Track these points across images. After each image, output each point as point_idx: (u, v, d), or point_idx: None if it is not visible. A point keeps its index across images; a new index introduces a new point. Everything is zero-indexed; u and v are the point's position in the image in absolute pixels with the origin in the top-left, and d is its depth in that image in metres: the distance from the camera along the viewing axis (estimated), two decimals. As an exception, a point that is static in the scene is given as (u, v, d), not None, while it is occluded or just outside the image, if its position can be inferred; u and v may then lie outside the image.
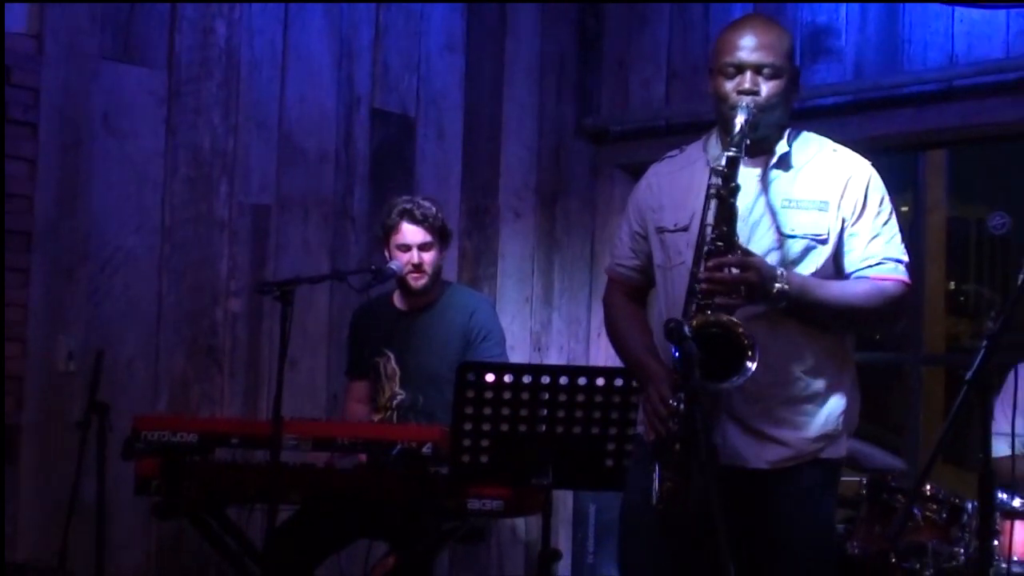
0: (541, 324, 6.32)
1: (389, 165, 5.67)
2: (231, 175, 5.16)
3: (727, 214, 3.03)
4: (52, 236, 4.65)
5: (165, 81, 4.97)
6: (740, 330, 2.95)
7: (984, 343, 2.38)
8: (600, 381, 3.46)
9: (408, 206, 4.59)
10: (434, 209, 4.60)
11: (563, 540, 6.05)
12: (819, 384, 3.17)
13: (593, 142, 6.52)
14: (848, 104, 5.43)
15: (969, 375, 2.37)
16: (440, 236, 4.60)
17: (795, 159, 3.22)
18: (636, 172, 6.40)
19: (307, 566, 4.38)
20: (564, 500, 6.06)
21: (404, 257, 4.55)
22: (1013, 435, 3.28)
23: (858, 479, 4.12)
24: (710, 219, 3.03)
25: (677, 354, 2.78)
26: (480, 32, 6.03)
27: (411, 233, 4.56)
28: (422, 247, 4.55)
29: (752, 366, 2.92)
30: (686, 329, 2.79)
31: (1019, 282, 2.37)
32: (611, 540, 5.79)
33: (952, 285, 7.06)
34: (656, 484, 3.03)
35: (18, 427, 4.54)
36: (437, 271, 4.61)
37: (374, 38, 5.63)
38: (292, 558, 4.28)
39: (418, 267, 4.53)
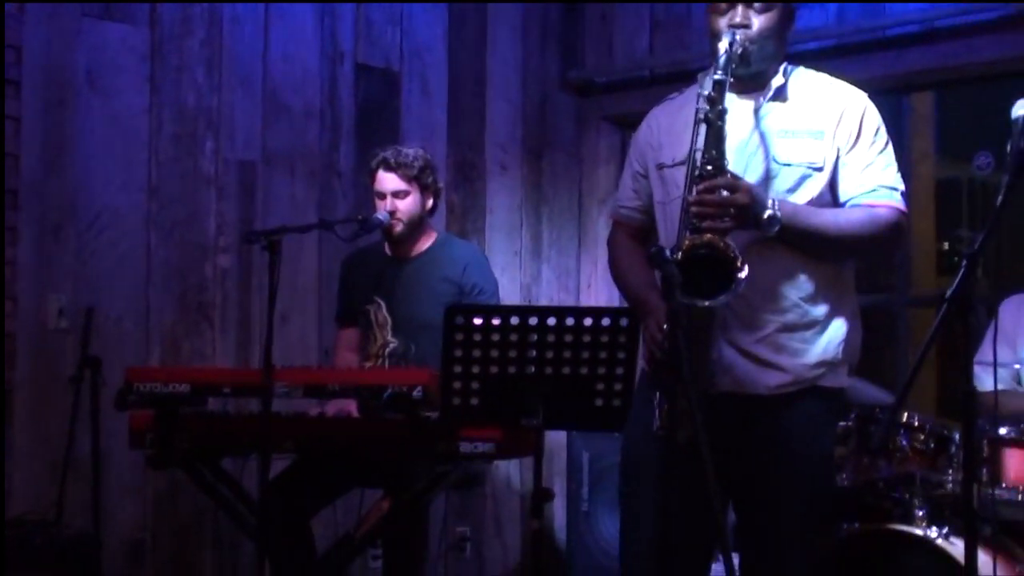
0: (531, 276, 6.34)
1: (374, 120, 5.67)
2: (216, 132, 5.16)
3: (716, 138, 3.04)
4: (38, 194, 4.66)
5: (148, 38, 4.97)
6: (724, 244, 2.97)
7: (964, 261, 2.39)
8: (588, 321, 3.43)
9: (386, 154, 4.60)
10: (411, 157, 4.59)
11: (558, 490, 6.08)
12: (818, 311, 3.19)
13: (578, 94, 6.52)
14: (831, 48, 5.44)
15: (949, 293, 2.39)
16: (419, 184, 4.59)
17: (790, 91, 3.25)
18: (622, 123, 6.46)
19: (302, 516, 4.39)
20: (559, 451, 6.10)
21: (380, 205, 4.56)
22: (995, 368, 3.31)
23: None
24: (699, 144, 3.05)
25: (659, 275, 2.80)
26: (463, -15, 6.03)
27: (385, 180, 4.57)
28: (396, 194, 4.56)
29: (742, 276, 2.94)
30: (667, 253, 2.81)
31: (998, 201, 2.38)
32: (606, 487, 5.82)
33: (945, 246, 7.03)
34: (656, 412, 3.05)
35: (10, 384, 4.54)
36: (417, 219, 4.60)
37: (356, -8, 5.63)
38: (287, 508, 4.30)
39: (392, 214, 4.54)
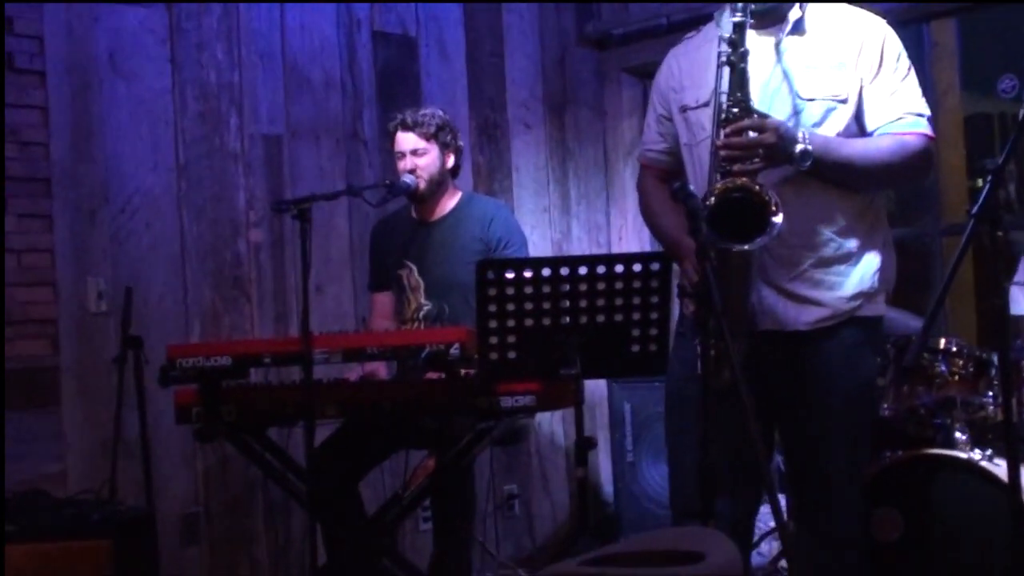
0: (561, 233, 6.36)
1: (395, 86, 5.69)
2: (240, 107, 5.19)
3: (740, 80, 3.05)
4: (70, 181, 4.71)
5: (165, 19, 5.00)
6: (758, 186, 2.98)
7: (989, 178, 2.40)
8: (619, 268, 3.47)
9: (402, 115, 4.63)
10: (428, 116, 4.61)
11: (602, 443, 6.12)
12: (851, 244, 3.20)
13: (596, 48, 6.51)
14: (846, -19, 5.40)
15: (975, 210, 2.40)
16: (438, 142, 4.61)
17: (808, 23, 3.23)
18: (642, 74, 6.46)
19: (351, 480, 4.44)
20: (600, 404, 6.14)
21: (401, 165, 4.58)
22: None
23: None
24: (723, 87, 3.05)
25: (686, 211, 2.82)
26: (474, -55, 6.03)
27: (403, 140, 4.60)
28: (415, 152, 4.58)
29: (778, 220, 2.95)
30: (690, 186, 2.83)
31: (1021, 115, 2.38)
32: (649, 438, 5.86)
33: (979, 183, 6.96)
34: (698, 354, 3.08)
35: (56, 369, 4.62)
36: (438, 177, 4.60)
37: (368, -41, 5.65)
38: (335, 473, 4.35)
39: (412, 172, 4.56)
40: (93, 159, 4.77)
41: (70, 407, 4.64)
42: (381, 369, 4.51)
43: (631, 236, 6.46)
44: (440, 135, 4.61)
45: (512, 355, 3.52)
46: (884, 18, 3.32)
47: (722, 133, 3.04)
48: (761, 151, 3.02)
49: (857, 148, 3.15)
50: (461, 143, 4.77)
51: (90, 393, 4.66)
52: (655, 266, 3.41)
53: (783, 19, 3.23)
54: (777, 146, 3.03)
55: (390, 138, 4.67)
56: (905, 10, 5.32)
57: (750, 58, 3.06)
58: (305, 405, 3.77)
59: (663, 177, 3.47)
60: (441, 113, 4.69)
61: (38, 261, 4.61)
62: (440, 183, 4.63)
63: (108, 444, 4.32)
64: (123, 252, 4.83)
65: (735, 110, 3.04)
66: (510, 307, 3.47)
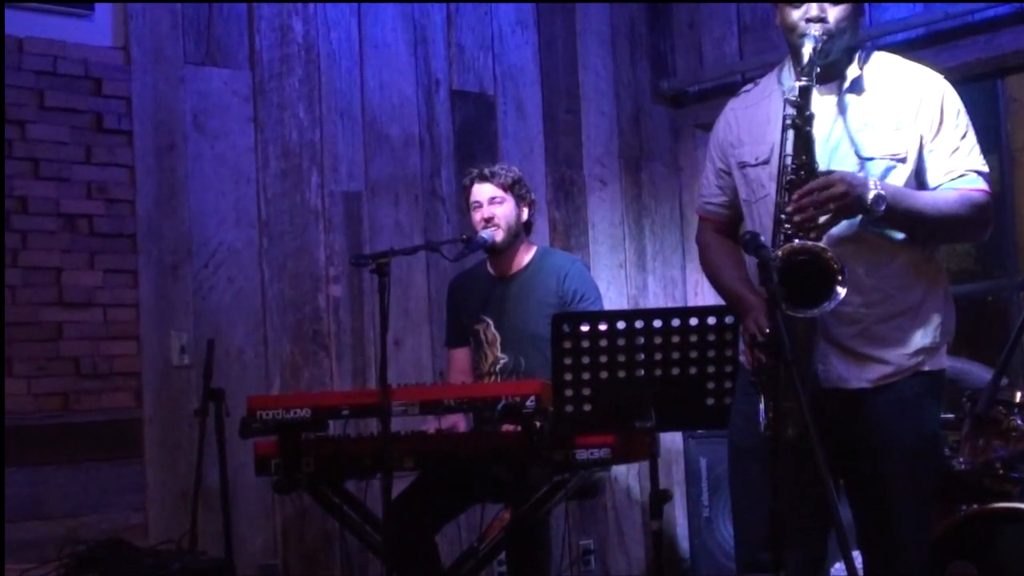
0: (637, 288, 6.36)
1: (472, 143, 5.75)
2: (320, 165, 5.27)
3: (805, 143, 3.04)
4: (155, 236, 4.81)
5: (249, 80, 5.11)
6: (828, 255, 2.96)
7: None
8: (693, 321, 3.46)
9: (478, 168, 4.68)
10: (504, 169, 4.67)
11: (678, 498, 6.08)
12: (912, 298, 3.16)
13: (671, 105, 6.54)
14: (920, 38, 5.39)
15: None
16: (514, 194, 4.64)
17: (867, 81, 3.21)
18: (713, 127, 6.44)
19: (427, 533, 4.45)
20: (676, 459, 6.10)
21: (477, 216, 4.62)
22: None
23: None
24: (788, 150, 3.04)
25: (755, 261, 2.81)
26: (549, 5, 6.09)
27: (480, 191, 4.64)
28: (492, 201, 4.62)
29: (842, 291, 2.93)
30: (761, 237, 2.82)
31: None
32: (725, 492, 5.80)
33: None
34: (761, 412, 3.06)
35: (139, 421, 4.69)
36: (515, 228, 4.64)
37: (446, 20, 5.72)
38: (412, 526, 4.36)
39: (489, 220, 4.59)
40: (177, 215, 4.87)
41: (153, 458, 4.71)
42: (460, 423, 4.53)
43: (707, 291, 6.43)
44: (516, 187, 4.66)
45: (587, 408, 3.50)
46: (956, 73, 3.30)
47: (788, 197, 3.02)
48: (832, 205, 3.00)
49: (926, 199, 3.13)
50: (535, 198, 4.80)
51: (172, 444, 4.73)
52: (729, 319, 3.40)
53: (841, 75, 3.21)
54: (848, 194, 3.01)
55: (465, 192, 4.71)
56: (978, 63, 5.30)
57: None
58: (383, 457, 3.78)
59: (722, 229, 3.45)
60: (516, 169, 4.75)
61: (123, 315, 4.70)
62: (516, 235, 4.66)
63: (189, 495, 4.36)
64: (205, 306, 4.91)
65: (801, 173, 3.03)
66: (585, 360, 3.47)
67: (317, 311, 5.21)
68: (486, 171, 4.66)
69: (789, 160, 3.06)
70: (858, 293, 3.10)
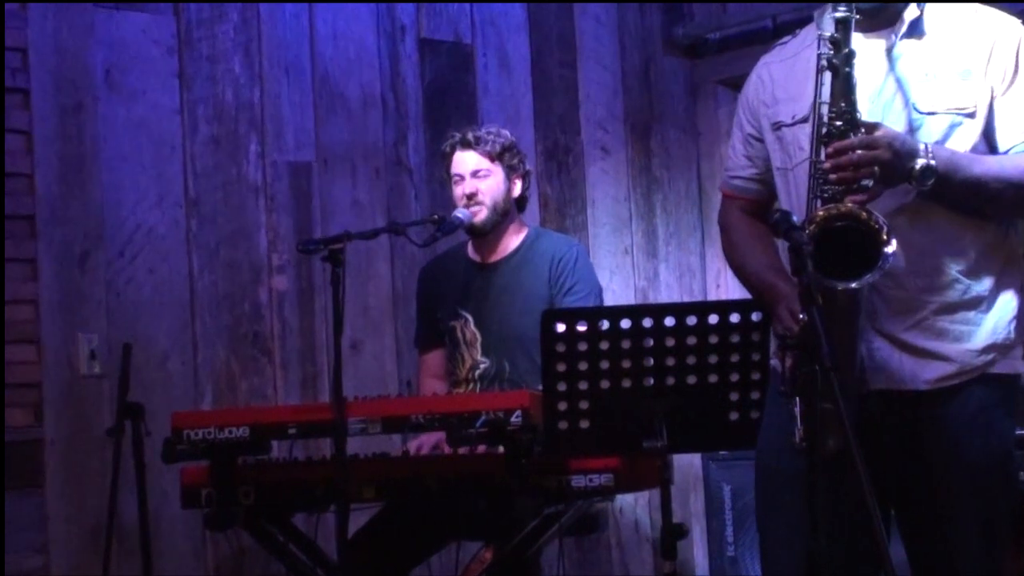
0: (647, 279, 6.35)
1: (446, 104, 5.74)
2: (261, 130, 5.26)
3: (844, 87, 3.03)
4: (59, 219, 4.78)
5: (173, 27, 5.09)
6: (865, 213, 2.96)
7: None
8: (713, 319, 3.45)
9: (461, 133, 4.66)
10: (492, 134, 4.65)
11: (697, 532, 6.10)
12: (982, 286, 3.16)
13: (687, 56, 6.53)
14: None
15: None
16: (503, 165, 4.62)
17: (928, 24, 3.21)
18: (741, 87, 6.41)
19: (392, 577, 4.46)
20: (694, 485, 6.10)
21: (458, 191, 4.61)
22: None
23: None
24: (825, 96, 3.04)
25: (786, 246, 2.80)
26: (540, -65, 6.08)
27: (462, 160, 4.63)
28: (476, 174, 4.60)
29: (890, 250, 2.93)
30: (794, 217, 2.81)
31: None
32: (754, 526, 5.80)
33: None
34: (798, 420, 3.05)
35: (40, 442, 4.67)
36: (503, 206, 4.62)
37: (414, -46, 5.71)
38: (373, 569, 4.35)
39: (472, 197, 4.57)
40: (86, 193, 4.84)
41: (56, 488, 4.68)
42: (441, 443, 4.50)
43: (731, 283, 6.43)
44: (506, 156, 4.64)
45: (585, 424, 3.50)
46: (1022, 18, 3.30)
47: (823, 152, 3.02)
48: (875, 169, 2.99)
49: (990, 166, 3.12)
50: (529, 168, 4.79)
51: (80, 471, 4.70)
52: (756, 316, 3.39)
53: (897, 19, 3.20)
54: (893, 162, 3.00)
55: (445, 161, 4.69)
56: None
57: (858, 65, 3.04)
58: (337, 486, 3.77)
59: (751, 209, 3.45)
60: (507, 133, 4.73)
61: (19, 314, 4.67)
62: (505, 214, 4.64)
63: (100, 533, 4.34)
64: (121, 303, 4.88)
65: (839, 124, 3.02)
66: (582, 366, 3.46)
67: (257, 308, 5.19)
68: (469, 136, 4.64)
69: (825, 109, 3.05)
70: (915, 275, 3.10)
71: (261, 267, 5.22)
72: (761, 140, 3.40)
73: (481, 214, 4.58)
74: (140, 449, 4.23)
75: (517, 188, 4.68)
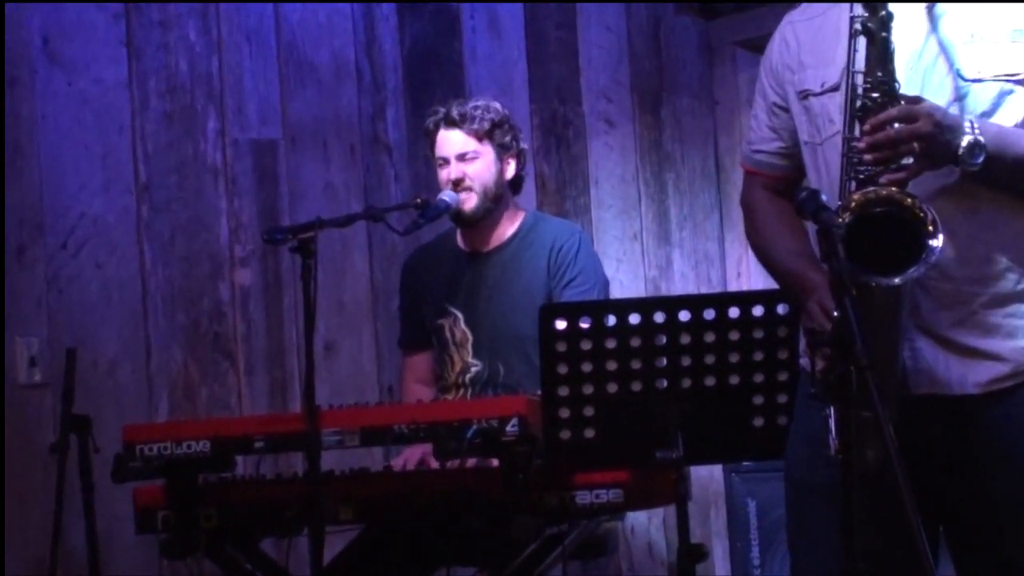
0: (658, 268, 6.37)
1: (429, 73, 5.74)
2: (220, 105, 5.26)
3: (881, 54, 3.03)
4: (-8, 208, 4.78)
5: (119, -12, 5.09)
6: (910, 201, 2.96)
7: None
8: (734, 312, 3.47)
9: (445, 109, 4.67)
10: (481, 109, 4.65)
11: (719, 553, 6.11)
12: None
13: (702, 15, 6.54)
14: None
15: None
16: (494, 144, 4.62)
17: None
18: (762, 49, 6.41)
19: (373, 610, 4.46)
20: (715, 501, 6.12)
21: (443, 175, 4.62)
22: None
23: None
24: (859, 64, 3.05)
25: (815, 229, 2.81)
26: None
27: (446, 141, 4.65)
28: (462, 157, 4.60)
29: (936, 244, 2.93)
30: (822, 196, 2.81)
31: None
32: (782, 546, 5.83)
33: None
34: (832, 428, 3.05)
35: (-28, 461, 4.67)
36: (494, 191, 4.63)
37: (390, -98, 5.71)
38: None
39: (458, 183, 4.58)
40: (23, 178, 4.84)
41: (-7, 512, 4.69)
42: (428, 457, 4.51)
43: (755, 271, 6.45)
44: (497, 134, 4.64)
45: (590, 433, 3.53)
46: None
47: (858, 129, 3.02)
48: (915, 146, 3.00)
49: None
50: (524, 146, 4.78)
51: (19, 492, 4.70)
52: (782, 308, 3.40)
53: None
54: (935, 136, 3.00)
55: (428, 141, 4.71)
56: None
57: (895, 28, 3.05)
58: (311, 506, 3.78)
59: (777, 187, 3.45)
60: (498, 106, 4.73)
61: (-52, 316, 4.68)
62: (496, 200, 4.64)
63: (44, 561, 4.34)
64: (64, 302, 4.88)
65: (875, 95, 3.03)
66: (586, 367, 3.49)
67: (218, 306, 5.20)
68: (454, 113, 4.65)
69: (860, 79, 3.06)
70: (961, 265, 3.11)
71: (222, 260, 5.22)
72: (787, 110, 3.40)
73: (470, 202, 4.59)
74: (87, 467, 4.22)
75: (511, 169, 4.68)
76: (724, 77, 6.55)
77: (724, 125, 6.55)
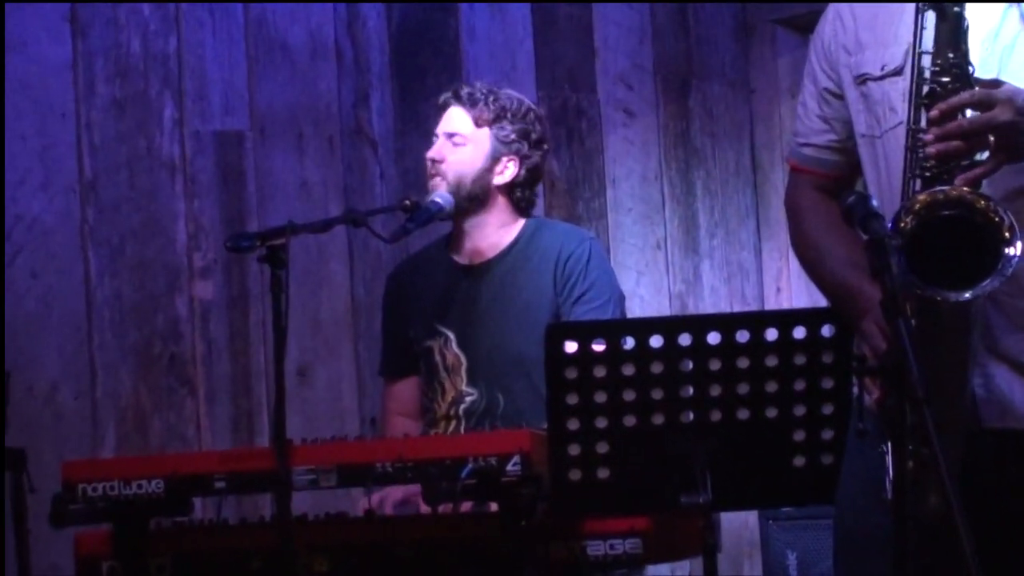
0: (684, 281, 6.37)
1: (420, 54, 5.76)
2: (178, 91, 5.27)
3: (952, 32, 3.06)
4: (-86, 208, 4.80)
5: (63, -43, 5.10)
6: (984, 203, 2.97)
7: None
8: (772, 334, 3.46)
9: (459, 86, 4.71)
10: (490, 95, 4.64)
11: (753, 613, 6.11)
12: None
13: (736, -11, 6.57)
14: None
15: None
16: (496, 138, 4.62)
17: None
18: (807, 30, 6.45)
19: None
20: (751, 554, 6.14)
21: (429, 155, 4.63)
22: None
23: None
24: (926, 44, 3.06)
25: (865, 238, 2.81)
26: None
27: (447, 118, 4.67)
28: (451, 137, 4.61)
29: (1014, 253, 2.93)
30: (872, 202, 2.81)
31: None
32: (825, 603, 5.85)
33: None
34: (889, 467, 3.05)
35: None
36: (469, 188, 4.58)
37: None
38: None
39: (433, 163, 4.59)
40: (-50, 175, 4.86)
41: (-86, 560, 4.69)
42: (419, 497, 4.52)
43: (796, 285, 6.46)
44: (499, 125, 4.62)
45: (604, 474, 3.52)
46: None
47: (923, 117, 3.02)
48: (991, 138, 3.00)
49: None
50: (535, 156, 4.68)
51: (-55, 537, 4.72)
52: (828, 330, 3.40)
53: None
54: (1016, 128, 3.01)
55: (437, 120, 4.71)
56: None
57: (969, 5, 3.06)
58: (281, 555, 3.78)
59: (827, 187, 3.47)
60: (518, 98, 4.71)
61: None
62: (471, 200, 4.60)
63: (-28, 617, 4.36)
64: (-4, 318, 4.90)
65: (945, 79, 3.03)
66: (600, 398, 3.48)
67: (175, 324, 5.20)
68: (463, 91, 4.65)
69: (928, 61, 3.08)
70: None
71: (179, 270, 5.24)
72: (841, 97, 3.42)
73: (439, 185, 4.57)
74: (22, 509, 4.24)
75: (507, 172, 4.65)
76: (762, 60, 6.57)
77: (762, 116, 6.56)
